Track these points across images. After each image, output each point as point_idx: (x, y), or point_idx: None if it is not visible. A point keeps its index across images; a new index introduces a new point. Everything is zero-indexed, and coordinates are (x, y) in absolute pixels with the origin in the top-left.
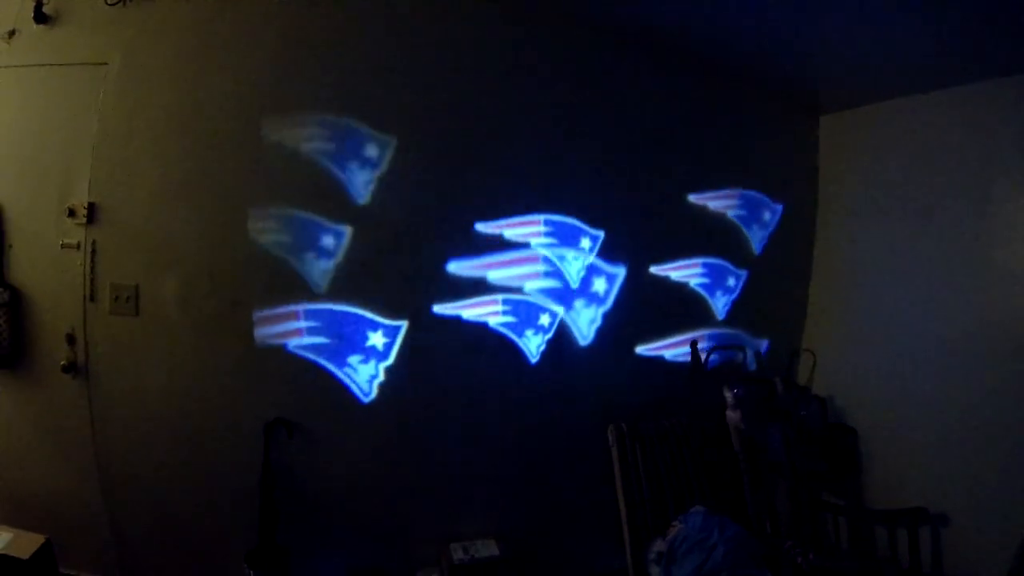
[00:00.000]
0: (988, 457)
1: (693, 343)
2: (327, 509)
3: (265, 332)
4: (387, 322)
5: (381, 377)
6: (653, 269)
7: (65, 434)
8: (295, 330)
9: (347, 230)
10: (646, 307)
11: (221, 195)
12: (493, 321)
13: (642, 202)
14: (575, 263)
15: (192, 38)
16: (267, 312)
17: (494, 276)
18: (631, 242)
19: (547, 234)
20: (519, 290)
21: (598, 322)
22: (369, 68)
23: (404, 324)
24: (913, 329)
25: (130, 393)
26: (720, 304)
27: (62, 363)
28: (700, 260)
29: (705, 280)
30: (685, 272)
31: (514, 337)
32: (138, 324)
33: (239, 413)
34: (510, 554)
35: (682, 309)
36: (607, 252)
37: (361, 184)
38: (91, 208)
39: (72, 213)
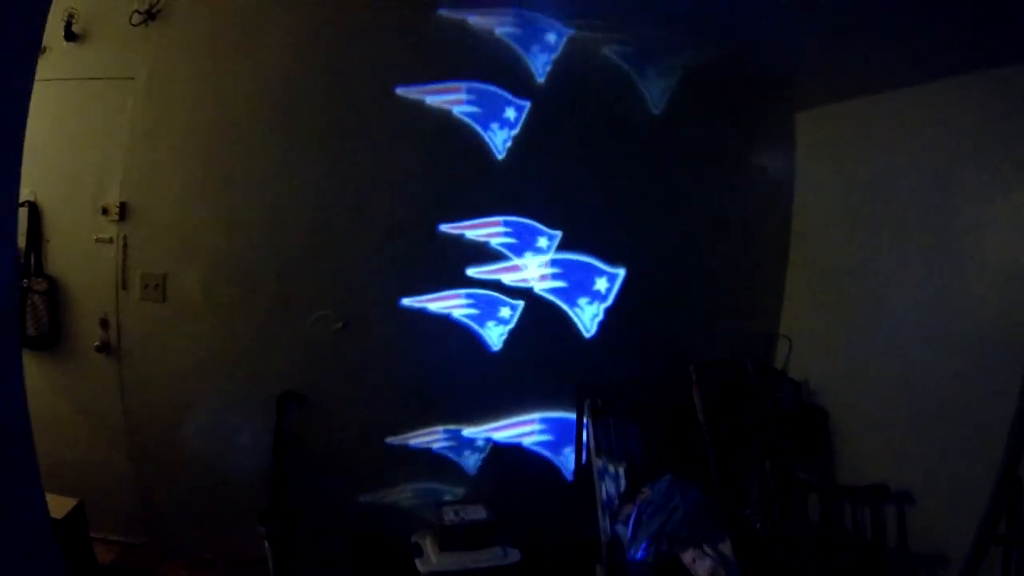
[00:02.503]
0: (952, 438)
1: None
2: (333, 476)
3: None
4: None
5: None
6: None
7: (98, 407)
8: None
9: None
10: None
11: (239, 193)
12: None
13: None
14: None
15: (210, 53)
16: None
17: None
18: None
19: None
20: None
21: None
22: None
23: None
24: (884, 316)
25: (157, 370)
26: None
27: (96, 344)
28: None
29: None
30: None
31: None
32: (165, 309)
33: (254, 387)
34: (497, 518)
35: None
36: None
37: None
38: (122, 207)
39: (105, 211)
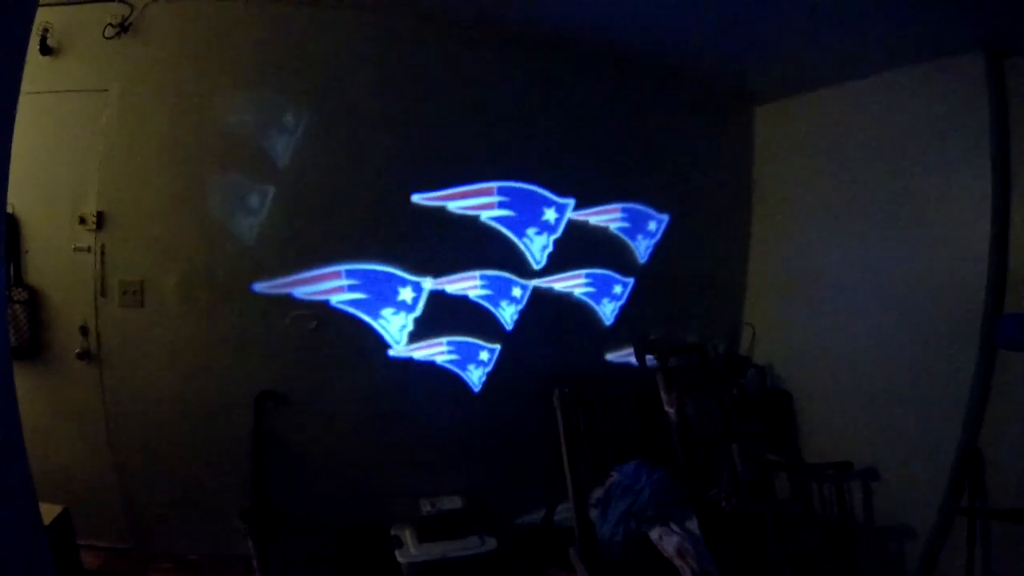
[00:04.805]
0: (912, 415)
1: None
2: (312, 472)
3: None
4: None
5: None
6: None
7: (80, 414)
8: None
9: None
10: None
11: (213, 200)
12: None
13: None
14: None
15: (182, 64)
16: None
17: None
18: None
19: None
20: None
21: None
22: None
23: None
24: (843, 300)
25: (138, 375)
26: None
27: (77, 351)
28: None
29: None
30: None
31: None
32: (144, 315)
33: (232, 388)
34: (471, 507)
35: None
36: None
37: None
38: (99, 216)
39: (83, 221)
